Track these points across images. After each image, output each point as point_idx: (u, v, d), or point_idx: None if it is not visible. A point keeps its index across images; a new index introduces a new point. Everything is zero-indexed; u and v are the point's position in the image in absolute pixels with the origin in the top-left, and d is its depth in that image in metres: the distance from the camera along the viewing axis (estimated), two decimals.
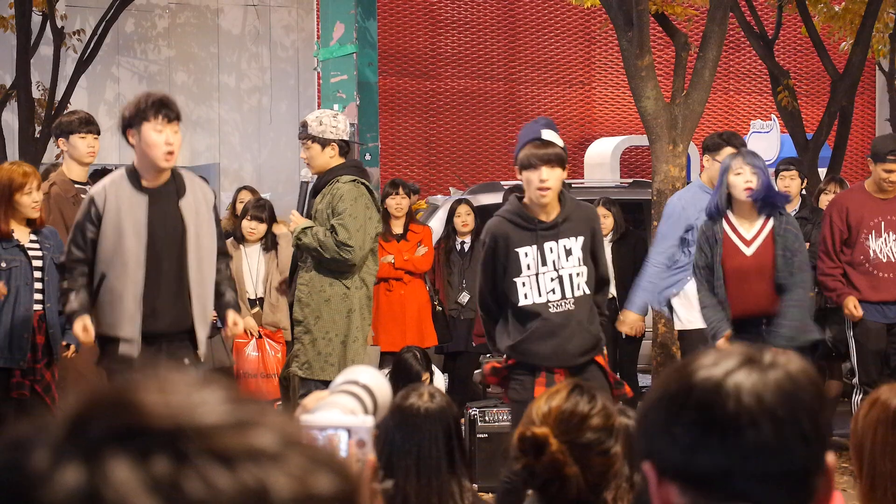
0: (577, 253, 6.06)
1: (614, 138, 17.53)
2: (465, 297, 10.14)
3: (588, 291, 6.10)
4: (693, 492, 1.63)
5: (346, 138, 7.43)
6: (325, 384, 6.61)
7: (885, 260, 8.56)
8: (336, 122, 7.43)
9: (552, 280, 6.01)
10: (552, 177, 5.90)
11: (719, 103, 18.69)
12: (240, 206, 9.92)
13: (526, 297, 6.02)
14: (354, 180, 7.33)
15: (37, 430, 0.91)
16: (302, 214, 7.58)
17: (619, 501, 3.72)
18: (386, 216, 9.76)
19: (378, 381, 2.48)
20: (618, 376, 6.50)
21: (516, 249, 6.01)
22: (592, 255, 6.15)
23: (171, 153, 6.03)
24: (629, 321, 8.40)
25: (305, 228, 7.28)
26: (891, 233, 8.60)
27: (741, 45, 16.87)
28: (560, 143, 5.99)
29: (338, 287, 7.29)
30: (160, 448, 0.86)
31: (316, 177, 7.55)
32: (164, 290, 6.16)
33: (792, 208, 9.54)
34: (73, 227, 6.27)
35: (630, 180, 13.76)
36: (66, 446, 0.88)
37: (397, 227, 9.83)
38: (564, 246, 6.05)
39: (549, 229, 6.03)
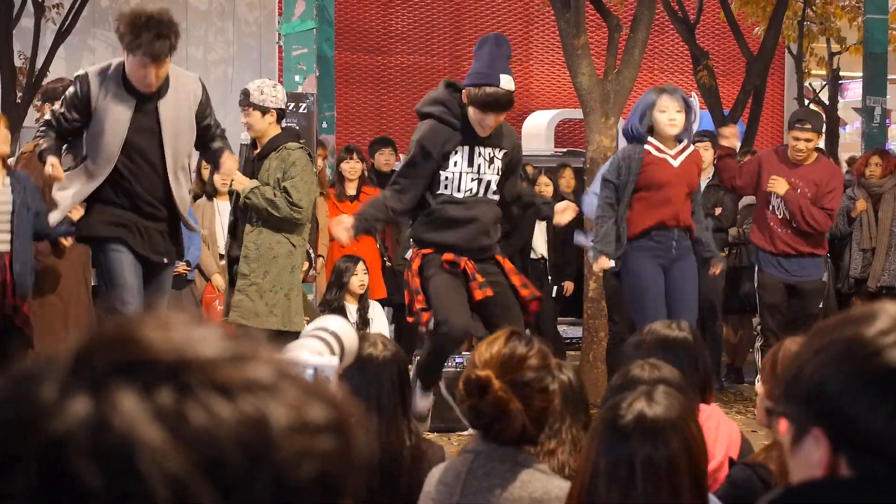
0: (498, 164, 6.13)
1: (550, 111, 17.51)
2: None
3: (496, 198, 6.17)
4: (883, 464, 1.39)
5: (282, 107, 7.35)
6: (265, 332, 6.69)
7: (780, 217, 8.73)
8: (275, 92, 7.35)
9: (472, 181, 6.07)
10: (498, 121, 6.03)
11: (646, 81, 18.69)
12: (205, 172, 9.63)
13: (446, 188, 6.05)
14: (302, 148, 7.36)
15: (44, 364, 0.88)
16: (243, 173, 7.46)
17: (560, 448, 3.70)
18: (340, 178, 9.71)
19: (346, 329, 2.47)
20: (527, 281, 6.46)
21: (447, 148, 6.03)
22: (510, 170, 6.22)
23: (150, 84, 6.10)
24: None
25: (254, 189, 7.22)
26: None
27: (666, 28, 16.88)
28: (512, 87, 6.00)
29: (285, 245, 7.29)
30: (164, 380, 0.84)
31: (253, 139, 7.47)
32: (142, 183, 6.24)
33: (705, 177, 9.63)
34: (63, 100, 6.24)
35: (564, 150, 13.77)
36: (72, 379, 0.86)
37: (351, 189, 9.75)
38: (490, 154, 6.10)
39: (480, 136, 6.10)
